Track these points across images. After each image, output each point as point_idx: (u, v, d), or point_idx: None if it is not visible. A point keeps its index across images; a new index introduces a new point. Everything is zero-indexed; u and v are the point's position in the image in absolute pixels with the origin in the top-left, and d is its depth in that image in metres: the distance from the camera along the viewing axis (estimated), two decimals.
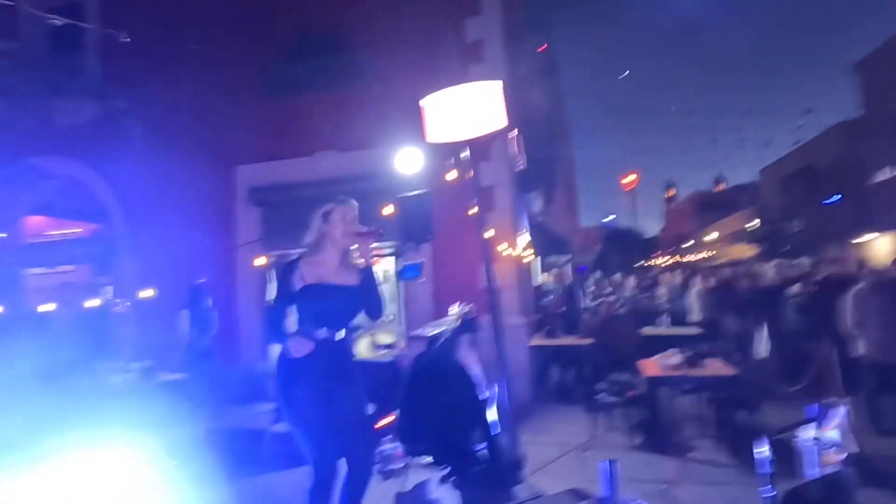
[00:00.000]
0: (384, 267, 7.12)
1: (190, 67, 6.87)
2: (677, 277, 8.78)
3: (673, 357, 4.07)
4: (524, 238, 7.81)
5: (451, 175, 4.65)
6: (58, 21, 5.35)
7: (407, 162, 5.62)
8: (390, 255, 6.69)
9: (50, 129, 7.00)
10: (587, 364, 5.51)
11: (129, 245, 7.18)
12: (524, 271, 7.78)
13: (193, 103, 6.91)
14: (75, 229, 8.66)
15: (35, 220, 8.76)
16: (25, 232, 8.75)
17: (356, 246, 2.34)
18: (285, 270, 2.24)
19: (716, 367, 4.13)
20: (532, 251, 8.80)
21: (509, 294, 5.93)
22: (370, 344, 3.93)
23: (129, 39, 4.95)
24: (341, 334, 2.20)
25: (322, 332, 2.12)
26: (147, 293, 6.58)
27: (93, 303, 7.31)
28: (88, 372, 4.75)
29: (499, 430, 2.86)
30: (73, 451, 2.49)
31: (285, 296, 2.18)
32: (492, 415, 2.91)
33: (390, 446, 2.85)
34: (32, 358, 5.49)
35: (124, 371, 4.84)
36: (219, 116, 6.84)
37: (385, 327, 6.91)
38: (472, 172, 3.50)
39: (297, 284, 2.18)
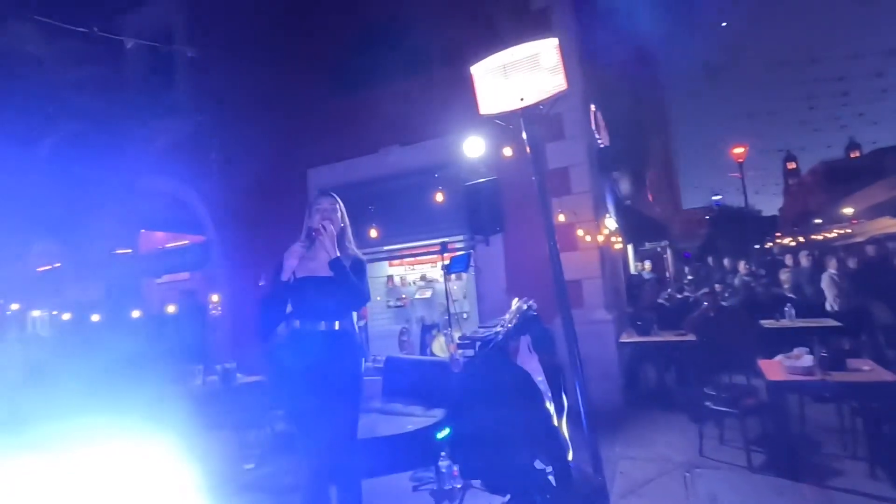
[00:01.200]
0: None
1: (261, 78, 7.10)
2: (804, 260, 7.39)
3: (803, 358, 3.24)
4: (610, 223, 7.04)
5: (508, 151, 4.21)
6: (149, 46, 5.79)
7: (473, 149, 5.24)
8: (463, 248, 6.36)
9: (151, 150, 7.64)
10: (691, 364, 4.71)
11: (220, 253, 7.62)
12: (612, 260, 7.02)
13: (266, 113, 7.12)
14: (183, 241, 9.46)
15: (153, 235, 9.77)
16: (146, 244, 9.80)
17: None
18: (279, 264, 2.25)
19: (863, 369, 3.22)
20: (621, 237, 7.95)
21: (593, 286, 5.30)
22: (443, 344, 3.60)
23: (194, 55, 5.11)
24: (333, 325, 2.20)
25: (312, 325, 2.17)
26: (215, 297, 6.92)
27: (196, 307, 7.90)
28: (178, 373, 5.00)
29: (570, 447, 2.38)
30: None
31: (277, 290, 2.22)
32: (562, 429, 2.43)
33: (445, 463, 2.49)
34: (142, 358, 5.97)
35: (209, 373, 5.01)
36: (290, 123, 6.98)
37: (459, 325, 6.60)
38: (528, 148, 3.08)
39: (289, 279, 2.23)
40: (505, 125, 3.12)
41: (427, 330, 6.52)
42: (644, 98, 10.88)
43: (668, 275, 13.88)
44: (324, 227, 2.23)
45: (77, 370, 4.65)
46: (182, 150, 7.65)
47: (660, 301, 6.79)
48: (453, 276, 6.83)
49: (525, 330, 2.50)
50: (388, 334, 7.09)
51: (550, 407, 2.40)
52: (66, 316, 8.41)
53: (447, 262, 4.58)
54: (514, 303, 2.66)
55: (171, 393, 4.52)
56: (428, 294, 6.92)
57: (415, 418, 4.00)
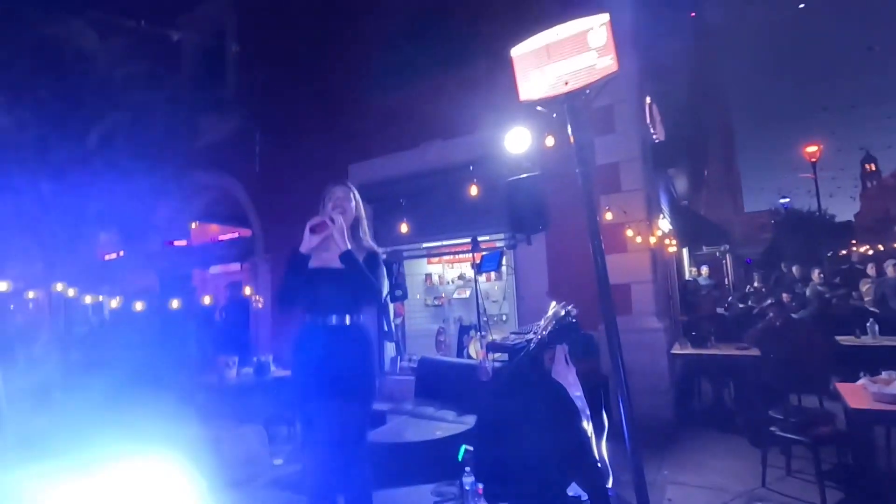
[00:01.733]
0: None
1: (303, 75, 7.13)
2: (890, 270, 6.58)
3: (894, 384, 2.77)
4: (664, 224, 6.56)
5: (550, 141, 3.92)
6: (198, 42, 5.92)
7: (515, 143, 4.97)
8: (504, 247, 6.10)
9: (202, 145, 7.87)
10: (753, 382, 4.25)
11: (262, 246, 7.73)
12: (665, 264, 6.53)
13: (308, 108, 7.15)
14: (232, 234, 9.73)
15: (204, 227, 10.12)
16: (198, 236, 10.17)
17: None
18: (294, 255, 2.17)
19: None
20: (676, 240, 7.42)
21: (643, 291, 4.90)
22: (478, 346, 3.38)
23: (238, 50, 5.15)
24: (343, 320, 2.09)
25: (322, 319, 2.09)
26: (247, 290, 6.99)
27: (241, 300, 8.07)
28: (215, 364, 5.05)
29: (609, 472, 2.09)
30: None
31: (296, 277, 2.14)
32: (601, 452, 2.15)
33: (469, 479, 2.27)
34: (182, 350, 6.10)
35: (244, 364, 5.03)
36: (331, 118, 6.96)
37: (496, 328, 6.34)
38: (572, 137, 2.80)
39: (304, 269, 2.14)
40: (547, 112, 2.85)
41: (464, 331, 6.31)
42: (705, 90, 10.15)
43: (727, 282, 12.97)
44: (332, 220, 2.13)
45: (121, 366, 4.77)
46: (229, 145, 7.83)
47: (718, 310, 6.24)
48: (493, 276, 6.59)
49: (562, 338, 2.24)
50: (426, 333, 6.94)
51: (588, 426, 2.12)
52: (115, 303, 8.80)
53: (479, 260, 4.33)
54: (552, 307, 2.40)
55: (206, 384, 4.57)
56: (466, 294, 6.71)
57: (445, 424, 3.80)
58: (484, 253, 4.39)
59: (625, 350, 4.77)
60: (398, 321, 6.75)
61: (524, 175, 5.08)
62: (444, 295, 7.07)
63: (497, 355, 2.84)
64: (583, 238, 4.02)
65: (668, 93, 7.21)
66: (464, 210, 5.99)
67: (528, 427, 1.99)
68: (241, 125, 7.67)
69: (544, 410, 2.00)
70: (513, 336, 2.39)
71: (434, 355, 6.43)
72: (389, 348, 6.70)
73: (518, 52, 2.86)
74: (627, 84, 5.10)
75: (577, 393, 2.17)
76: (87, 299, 10.73)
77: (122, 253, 9.90)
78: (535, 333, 2.21)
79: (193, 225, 10.17)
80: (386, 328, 6.69)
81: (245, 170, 7.68)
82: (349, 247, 2.10)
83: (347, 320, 2.08)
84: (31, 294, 9.15)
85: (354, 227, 2.25)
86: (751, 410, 4.15)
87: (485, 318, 6.63)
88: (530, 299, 5.46)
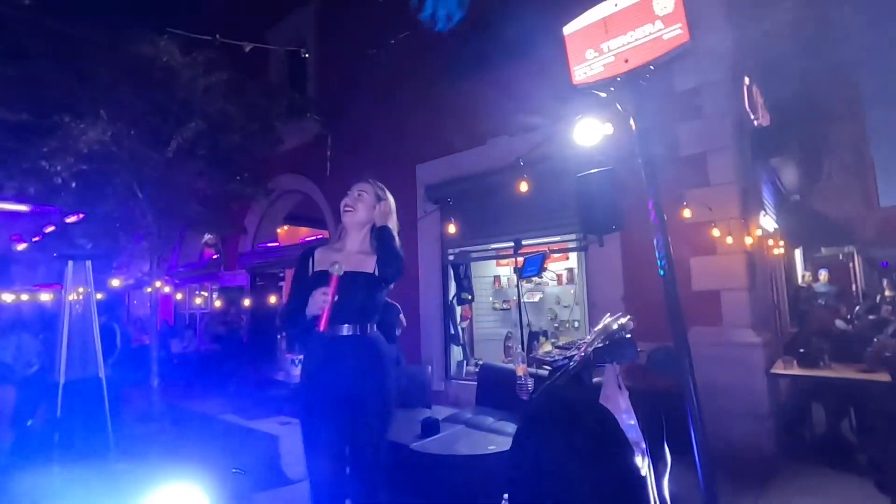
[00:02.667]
0: (568, 265, 6.14)
1: (371, 76, 7.22)
2: None
3: None
4: (767, 222, 5.71)
5: (608, 129, 3.49)
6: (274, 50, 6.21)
7: (584, 135, 4.57)
8: (573, 249, 5.68)
9: (284, 151, 8.30)
10: (880, 414, 3.50)
11: None
12: (768, 268, 5.68)
13: (376, 109, 7.23)
14: (317, 236, 10.21)
15: (294, 230, 10.74)
16: (287, 239, 10.81)
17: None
18: (302, 258, 2.01)
19: None
20: (784, 240, 6.45)
21: (735, 299, 4.26)
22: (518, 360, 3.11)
23: (307, 55, 5.30)
24: (357, 329, 1.88)
25: (334, 328, 1.85)
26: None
27: None
28: (282, 362, 5.23)
29: None
30: None
31: (300, 286, 1.95)
32: (660, 491, 1.80)
33: None
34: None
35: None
36: (398, 118, 6.97)
37: (567, 335, 5.92)
38: (633, 124, 2.42)
39: (310, 272, 1.96)
40: (604, 96, 2.51)
41: (534, 337, 5.97)
42: (826, 64, 8.75)
43: (854, 288, 11.14)
44: (347, 207, 2.03)
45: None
46: (307, 150, 8.18)
47: (838, 323, 5.29)
48: (564, 279, 6.17)
49: (612, 356, 1.90)
50: (494, 338, 6.70)
51: (643, 462, 1.78)
52: (219, 303, 9.56)
53: (521, 264, 4.00)
54: (605, 319, 2.07)
55: (268, 381, 4.74)
56: (536, 298, 6.36)
57: (500, 438, 3.55)
58: (526, 256, 4.05)
59: (713, 366, 4.19)
60: (465, 324, 6.58)
61: (595, 170, 4.67)
62: (514, 298, 6.76)
63: (555, 359, 2.51)
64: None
65: (776, 69, 6.28)
66: (533, 209, 5.67)
67: (565, 459, 1.69)
68: (317, 131, 7.99)
69: (585, 441, 1.70)
70: (556, 351, 2.10)
71: (501, 361, 6.17)
72: (456, 352, 6.55)
73: (571, 29, 2.54)
74: (717, 62, 4.48)
75: (630, 422, 1.83)
76: (198, 300, 11.87)
77: (216, 256, 10.83)
78: (578, 350, 1.90)
79: (281, 229, 10.87)
80: (452, 331, 6.55)
81: (319, 174, 7.98)
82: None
83: (359, 330, 1.87)
84: (148, 290, 10.18)
85: (380, 232, 2.03)
86: (879, 448, 3.41)
87: (556, 325, 6.24)
88: (603, 305, 4.99)
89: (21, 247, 11.14)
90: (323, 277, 1.82)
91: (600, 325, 2.00)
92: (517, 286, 3.67)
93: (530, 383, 2.14)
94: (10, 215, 7.71)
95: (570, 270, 6.06)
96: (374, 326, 1.96)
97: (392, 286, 2.02)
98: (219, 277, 10.59)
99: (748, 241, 4.36)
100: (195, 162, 5.45)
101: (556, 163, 5.17)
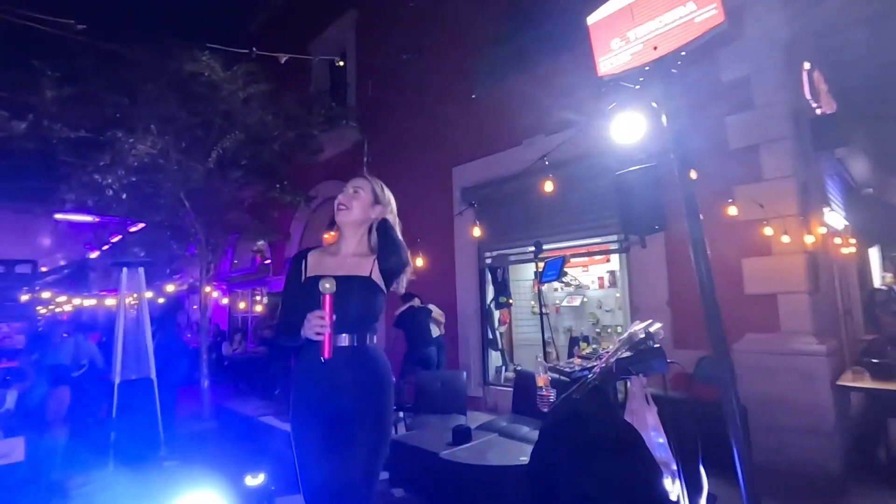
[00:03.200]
0: (609, 267, 5.88)
1: (406, 80, 7.25)
2: None
3: None
4: (834, 219, 5.23)
5: (643, 124, 3.26)
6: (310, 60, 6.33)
7: (624, 130, 4.36)
8: (615, 251, 5.43)
9: (326, 158, 8.49)
10: None
11: None
12: (838, 269, 5.18)
13: (411, 113, 7.24)
14: None
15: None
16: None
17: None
18: (294, 261, 1.84)
19: None
20: (855, 238, 5.89)
21: (794, 303, 3.90)
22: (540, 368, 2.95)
23: (342, 63, 5.38)
24: (353, 340, 1.66)
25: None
26: None
27: None
28: None
29: None
30: None
31: (292, 295, 1.76)
32: None
33: None
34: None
35: None
36: (433, 122, 6.95)
37: (609, 340, 5.65)
38: (664, 116, 2.24)
39: (303, 278, 1.77)
40: (636, 87, 2.35)
41: (574, 342, 5.76)
42: None
43: None
44: (340, 205, 1.81)
45: None
46: (346, 156, 8.33)
47: None
48: (605, 282, 5.91)
49: (639, 367, 1.75)
50: (534, 343, 6.51)
51: (673, 485, 1.62)
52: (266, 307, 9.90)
53: (541, 268, 3.82)
54: (635, 326, 1.91)
55: None
56: (577, 302, 6.13)
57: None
58: (546, 259, 3.86)
59: (771, 377, 3.86)
60: (503, 329, 6.44)
61: (635, 167, 4.43)
62: (555, 302, 6.57)
63: (581, 366, 2.34)
64: (712, 238, 3.34)
65: (841, 52, 5.75)
66: (571, 210, 5.48)
67: (583, 480, 1.56)
68: (356, 138, 8.13)
69: (605, 460, 1.56)
70: (579, 361, 1.96)
71: (556, 361, 5.99)
72: (494, 357, 6.43)
73: (595, 18, 2.40)
74: (770, 47, 4.14)
75: (658, 440, 1.67)
76: (242, 304, 12.36)
77: (268, 261, 11.23)
78: (600, 360, 1.76)
79: (329, 234, 11.12)
80: (490, 336, 6.43)
81: (354, 177, 8.09)
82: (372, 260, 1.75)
83: (357, 341, 1.64)
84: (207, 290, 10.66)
85: (382, 234, 1.80)
86: None
87: (597, 330, 5.99)
88: (647, 310, 4.72)
89: (93, 255, 12.00)
90: (316, 286, 1.58)
91: (625, 334, 1.85)
92: (538, 291, 3.51)
93: (552, 394, 2.01)
94: (79, 226, 8.34)
95: (612, 273, 5.80)
96: (374, 338, 1.73)
97: (393, 288, 1.82)
98: (267, 282, 10.99)
99: (809, 239, 3.98)
100: (237, 171, 5.65)
101: (595, 161, 4.96)
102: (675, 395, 3.10)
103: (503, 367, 6.34)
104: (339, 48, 8.89)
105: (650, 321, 1.96)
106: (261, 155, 5.71)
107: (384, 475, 3.96)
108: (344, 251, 1.81)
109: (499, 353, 6.39)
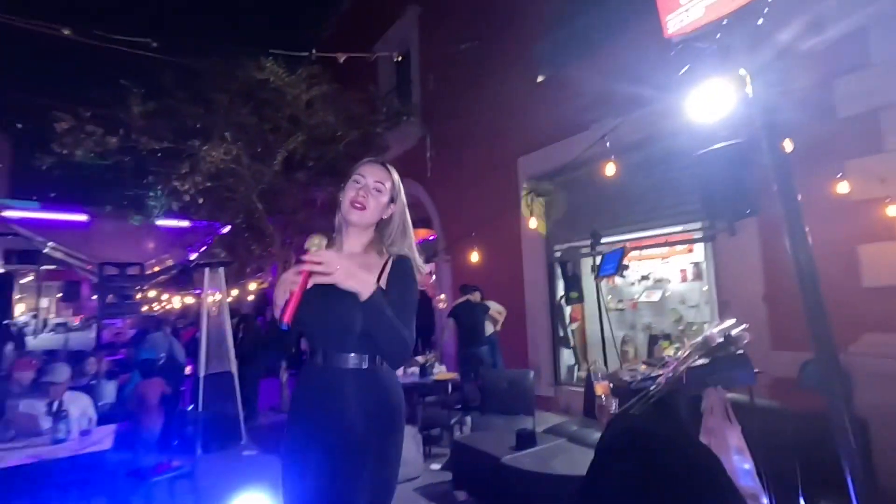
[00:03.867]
0: (693, 258, 5.33)
1: (472, 72, 7.07)
2: None
3: None
4: None
5: (725, 95, 2.81)
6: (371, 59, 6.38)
7: (705, 105, 3.88)
8: (698, 240, 4.91)
9: (392, 156, 8.57)
10: None
11: (443, 247, 7.97)
12: None
13: (474, 105, 7.06)
14: (428, 237, 10.44)
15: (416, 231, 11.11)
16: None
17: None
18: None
19: None
20: None
21: None
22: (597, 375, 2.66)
23: (400, 59, 5.34)
24: (363, 362, 1.34)
25: (330, 359, 1.35)
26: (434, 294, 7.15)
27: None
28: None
29: None
30: None
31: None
32: None
33: None
34: None
35: (409, 365, 5.17)
36: (497, 112, 6.72)
37: (693, 338, 5.11)
38: (750, 83, 1.89)
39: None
40: (708, 47, 2.01)
41: (654, 341, 5.29)
42: None
43: None
44: (356, 203, 1.41)
45: None
46: (412, 152, 8.34)
47: None
48: (689, 275, 5.37)
49: (717, 378, 1.46)
50: (609, 341, 6.10)
51: None
52: None
53: (599, 261, 3.44)
54: (710, 328, 1.61)
55: None
56: (656, 297, 5.63)
57: None
58: (604, 252, 3.48)
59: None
60: (574, 326, 6.09)
61: (719, 145, 3.93)
62: (634, 298, 6.09)
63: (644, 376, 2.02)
64: (814, 222, 2.85)
65: None
66: (648, 197, 5.03)
67: None
68: (420, 133, 8.11)
69: (672, 493, 1.31)
70: (644, 367, 1.69)
71: (617, 367, 5.58)
72: (566, 355, 6.10)
73: None
74: None
75: (744, 466, 1.38)
76: None
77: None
78: (667, 368, 1.50)
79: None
80: (561, 333, 6.11)
81: (424, 175, 8.08)
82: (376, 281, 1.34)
83: (367, 363, 1.34)
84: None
85: (397, 235, 1.48)
86: None
87: (681, 327, 5.45)
88: (738, 305, 4.20)
89: (193, 256, 13.15)
90: (316, 296, 1.29)
91: (699, 338, 1.56)
92: (597, 288, 3.20)
93: (613, 404, 1.75)
94: (176, 230, 9.12)
95: (696, 265, 5.25)
96: (382, 360, 1.38)
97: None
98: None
99: None
100: (304, 172, 5.82)
101: (672, 141, 4.48)
102: (768, 405, 2.67)
103: (576, 367, 6.00)
104: (403, 46, 8.93)
105: (733, 322, 1.64)
106: (326, 155, 5.84)
107: (447, 475, 3.88)
108: (347, 251, 1.47)
109: (571, 352, 6.06)
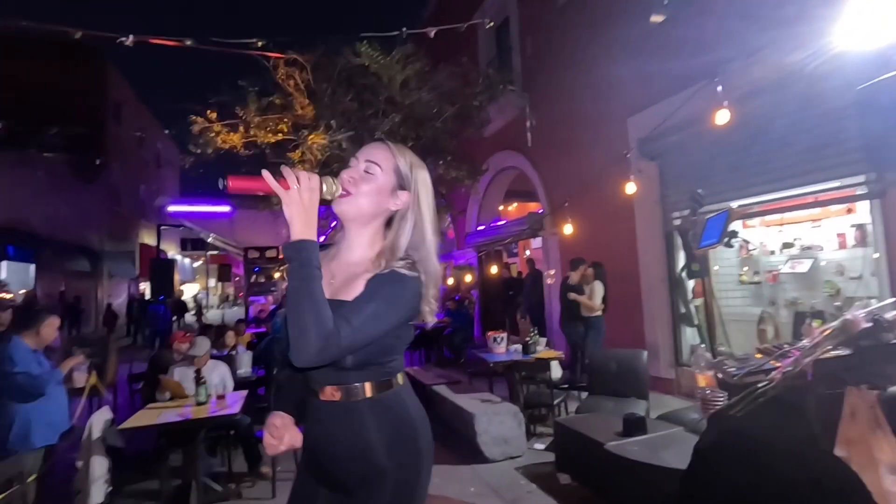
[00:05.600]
0: (855, 219, 4.38)
1: (573, 31, 6.53)
2: None
3: None
4: None
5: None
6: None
7: (865, 29, 3.08)
8: (860, 197, 4.01)
9: (496, 128, 8.37)
10: None
11: (550, 220, 7.63)
12: None
13: (582, 65, 6.52)
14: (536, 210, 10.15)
15: (523, 204, 10.94)
16: (512, 214, 11.10)
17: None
18: None
19: None
20: None
21: None
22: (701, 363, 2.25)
23: (491, 25, 5.11)
24: (363, 391, 1.08)
25: (330, 387, 1.09)
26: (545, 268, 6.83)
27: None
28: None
29: None
30: None
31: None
32: None
33: None
34: None
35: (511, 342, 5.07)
36: (605, 69, 6.13)
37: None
38: None
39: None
40: None
41: (800, 319, 4.49)
42: None
43: None
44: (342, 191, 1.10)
45: None
46: (514, 124, 8.04)
47: None
48: (849, 241, 4.44)
49: (861, 375, 1.13)
50: (743, 318, 5.35)
51: None
52: (451, 281, 10.41)
53: (701, 229, 2.84)
54: (850, 311, 1.25)
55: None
56: (804, 267, 4.77)
57: None
58: (707, 217, 2.88)
59: None
60: (698, 302, 5.44)
61: (887, 75, 3.10)
62: (770, 269, 5.25)
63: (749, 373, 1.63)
64: None
65: None
66: (791, 149, 4.22)
67: None
68: (522, 103, 7.76)
69: None
70: (759, 355, 1.36)
71: (755, 348, 4.86)
72: (689, 334, 5.50)
73: None
74: None
75: (879, 481, 1.06)
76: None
77: (451, 234, 11.82)
78: (785, 359, 1.18)
79: (512, 206, 11.16)
80: (682, 310, 5.51)
81: (525, 145, 7.77)
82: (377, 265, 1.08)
83: (377, 390, 1.09)
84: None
85: (407, 228, 1.14)
86: None
87: (837, 303, 4.55)
88: None
89: (321, 239, 14.45)
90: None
91: (836, 322, 1.21)
92: (687, 264, 2.73)
93: (720, 398, 1.44)
94: None
95: (859, 227, 4.30)
96: (392, 381, 1.12)
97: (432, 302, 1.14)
98: (453, 257, 11.59)
99: None
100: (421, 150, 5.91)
101: (817, 80, 3.68)
102: None
103: (700, 347, 5.38)
104: (501, 14, 8.58)
105: (889, 302, 1.26)
106: (425, 134, 5.87)
107: (550, 456, 3.74)
108: (344, 256, 1.18)
109: (694, 330, 5.44)
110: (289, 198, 0.99)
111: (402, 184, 1.14)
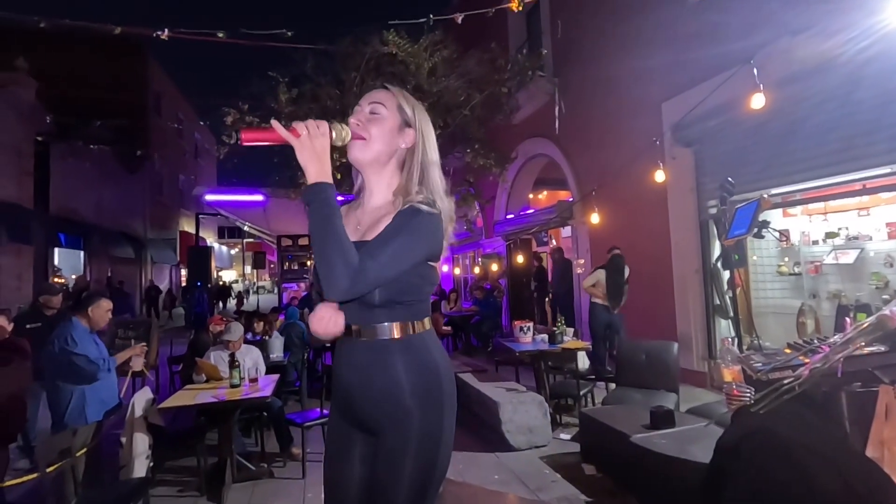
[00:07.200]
0: None
1: (605, 13, 6.32)
2: None
3: None
4: None
5: None
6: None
7: None
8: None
9: (525, 116, 8.25)
10: None
11: (581, 210, 7.50)
12: None
13: (614, 49, 6.32)
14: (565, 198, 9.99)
15: (553, 192, 10.79)
16: (541, 203, 10.96)
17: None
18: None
19: None
20: None
21: None
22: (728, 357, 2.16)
23: (521, 8, 5.01)
24: (385, 331, 1.10)
25: (357, 328, 1.12)
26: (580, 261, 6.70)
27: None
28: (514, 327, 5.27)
29: None
30: None
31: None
32: None
33: None
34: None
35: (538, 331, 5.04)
36: (638, 51, 5.93)
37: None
38: None
39: None
40: None
41: (843, 311, 4.29)
42: None
43: None
44: (355, 137, 1.13)
45: None
46: (543, 110, 7.90)
47: None
48: (843, 233, 4.19)
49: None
50: (782, 311, 5.17)
51: None
52: (477, 269, 10.36)
53: (730, 219, 2.70)
54: (889, 307, 1.19)
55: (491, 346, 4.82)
56: (850, 258, 4.55)
57: None
58: (737, 207, 2.73)
59: None
60: (732, 293, 5.26)
61: None
62: (812, 260, 5.02)
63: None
64: None
65: None
66: (837, 133, 4.00)
67: None
68: (551, 89, 7.61)
69: None
70: (787, 352, 1.31)
71: (795, 342, 4.68)
72: (723, 327, 5.33)
73: None
74: None
75: None
76: (456, 270, 13.28)
77: (480, 222, 11.77)
78: (814, 355, 1.13)
79: (541, 194, 11.00)
80: (717, 301, 5.34)
81: (554, 132, 7.62)
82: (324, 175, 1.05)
83: (397, 332, 1.11)
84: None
85: (407, 170, 1.17)
86: None
87: (886, 296, 4.31)
88: None
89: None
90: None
91: (871, 318, 1.16)
92: (721, 255, 2.61)
93: (748, 394, 1.39)
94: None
95: None
96: (416, 325, 1.13)
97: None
98: (481, 245, 11.56)
99: None
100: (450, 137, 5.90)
101: (866, 60, 3.46)
102: None
103: (734, 340, 5.21)
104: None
105: None
106: (454, 121, 5.84)
107: (576, 446, 3.72)
108: (367, 203, 1.21)
109: (729, 323, 5.27)
110: (300, 145, 1.02)
111: (407, 121, 1.17)
